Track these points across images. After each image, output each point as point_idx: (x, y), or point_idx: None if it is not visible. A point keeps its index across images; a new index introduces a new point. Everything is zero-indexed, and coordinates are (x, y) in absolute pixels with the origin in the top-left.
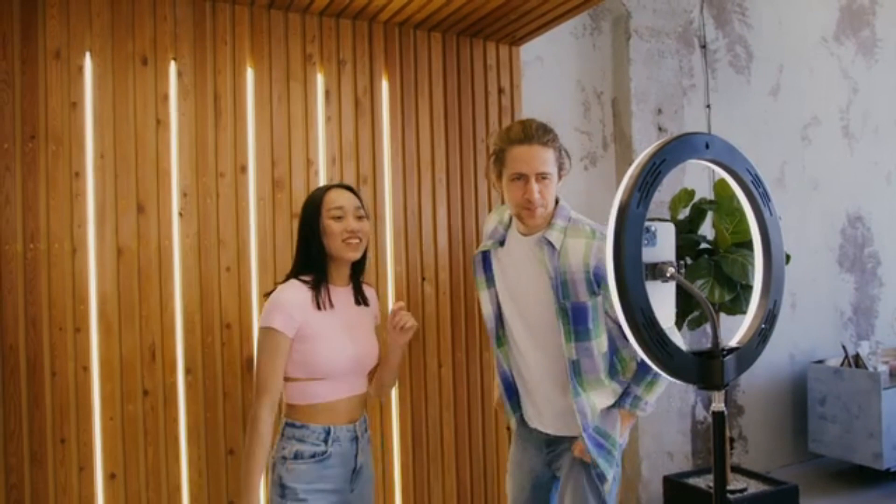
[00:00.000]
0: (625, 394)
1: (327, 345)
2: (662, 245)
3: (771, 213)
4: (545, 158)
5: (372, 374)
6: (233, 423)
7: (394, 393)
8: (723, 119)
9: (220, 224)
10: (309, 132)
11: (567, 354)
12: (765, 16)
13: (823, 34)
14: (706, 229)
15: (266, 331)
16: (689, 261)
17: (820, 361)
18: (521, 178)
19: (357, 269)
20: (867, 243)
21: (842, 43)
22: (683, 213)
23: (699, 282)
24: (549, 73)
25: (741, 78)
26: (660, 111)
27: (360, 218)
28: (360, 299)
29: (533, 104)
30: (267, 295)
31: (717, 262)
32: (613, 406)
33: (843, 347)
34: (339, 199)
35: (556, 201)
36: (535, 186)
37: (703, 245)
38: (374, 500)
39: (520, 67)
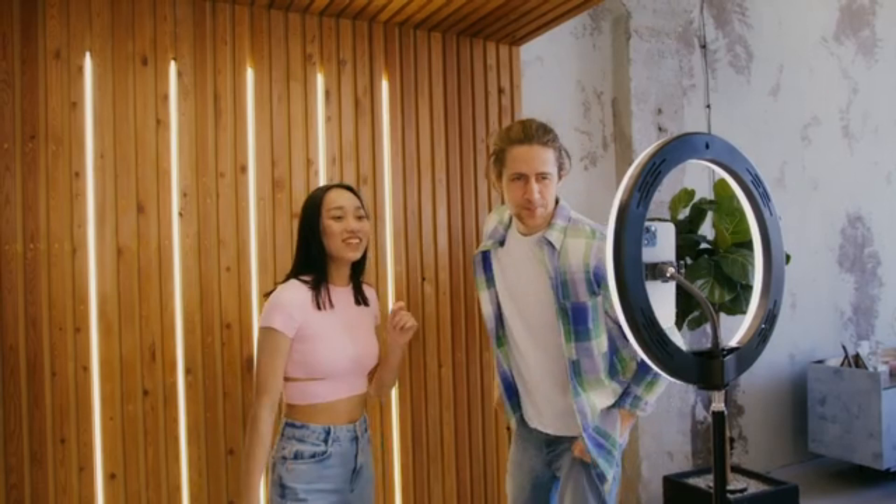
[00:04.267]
0: (625, 394)
1: (327, 345)
2: (662, 245)
3: (771, 213)
4: (545, 158)
5: (372, 374)
6: (233, 423)
7: (394, 393)
8: (723, 119)
9: (220, 224)
10: (309, 132)
11: (567, 354)
12: (765, 16)
13: (823, 34)
14: (706, 229)
15: (266, 331)
16: (689, 261)
17: (820, 361)
18: (521, 178)
19: (357, 269)
20: (867, 243)
21: (842, 43)
22: (683, 213)
23: (699, 282)
24: (549, 73)
25: (741, 78)
26: (660, 111)
27: (360, 218)
28: (360, 299)
29: (533, 104)
30: (267, 295)
31: (717, 262)
32: (613, 406)
33: (843, 347)
34: (339, 199)
35: (556, 201)
36: (535, 186)
37: (703, 245)
38: (374, 500)
39: (520, 67)
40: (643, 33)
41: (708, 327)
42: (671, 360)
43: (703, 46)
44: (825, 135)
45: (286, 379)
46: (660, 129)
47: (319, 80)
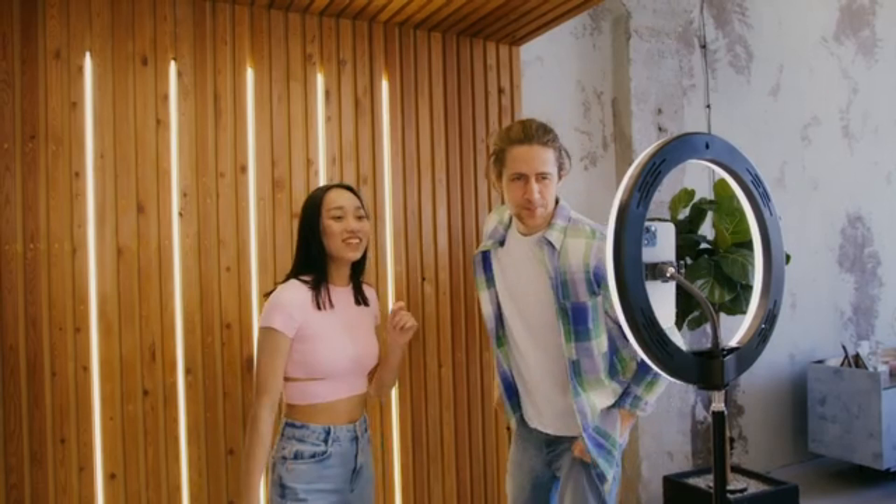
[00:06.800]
0: (625, 394)
1: (327, 345)
2: (662, 245)
3: (771, 213)
4: (545, 158)
5: (372, 374)
6: (233, 423)
7: (394, 393)
8: (723, 119)
9: (220, 224)
10: (309, 132)
11: (567, 354)
12: (765, 16)
13: (823, 34)
14: (706, 229)
15: (266, 331)
16: (689, 261)
17: (820, 361)
18: (521, 178)
19: (357, 269)
20: (867, 243)
21: (842, 43)
22: (683, 213)
23: (699, 282)
24: (549, 73)
25: (741, 78)
26: (660, 111)
27: (360, 218)
28: (360, 299)
29: (533, 104)
30: (267, 295)
31: (717, 262)
32: (613, 406)
33: (843, 347)
34: (339, 199)
35: (556, 201)
36: (535, 186)
37: (703, 245)
38: (374, 500)
39: (520, 67)
40: (643, 33)
41: (708, 327)
42: (671, 360)
43: (703, 46)
44: (825, 135)
45: (286, 379)
46: (660, 129)
47: (319, 80)
